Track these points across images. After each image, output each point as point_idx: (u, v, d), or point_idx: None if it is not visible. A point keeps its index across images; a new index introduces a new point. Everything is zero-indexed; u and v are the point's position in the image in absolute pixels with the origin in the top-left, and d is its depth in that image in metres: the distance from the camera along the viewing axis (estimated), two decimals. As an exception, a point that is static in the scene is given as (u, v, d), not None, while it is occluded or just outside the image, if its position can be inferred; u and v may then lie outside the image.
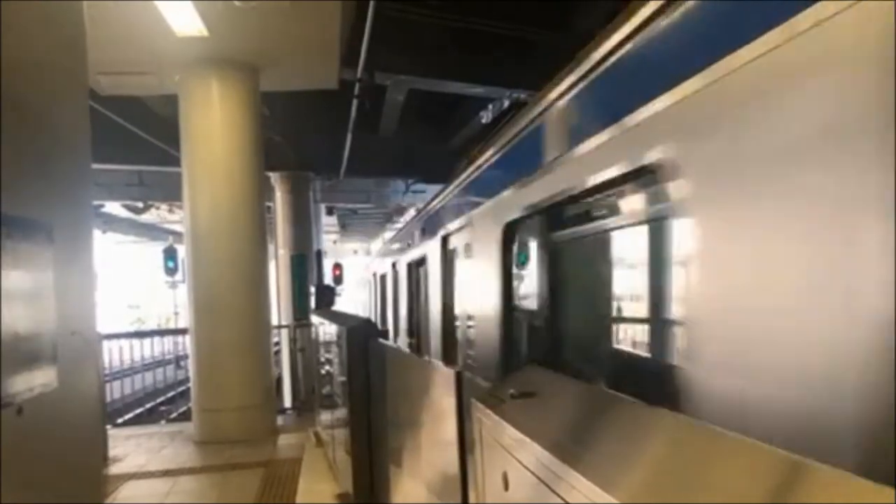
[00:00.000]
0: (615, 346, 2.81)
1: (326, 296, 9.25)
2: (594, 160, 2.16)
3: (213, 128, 7.39)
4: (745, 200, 1.41)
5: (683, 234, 1.66)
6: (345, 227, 27.27)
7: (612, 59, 2.04)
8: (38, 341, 2.07)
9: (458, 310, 4.82)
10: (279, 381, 10.98)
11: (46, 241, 2.13)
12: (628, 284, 2.73)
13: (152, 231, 27.02)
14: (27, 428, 1.95)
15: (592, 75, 2.21)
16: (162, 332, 17.30)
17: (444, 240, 5.06)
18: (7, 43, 1.88)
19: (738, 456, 1.26)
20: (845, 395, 1.12)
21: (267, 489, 5.55)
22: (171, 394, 16.65)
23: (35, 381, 2.02)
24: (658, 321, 2.35)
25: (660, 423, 1.62)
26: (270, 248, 12.03)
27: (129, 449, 6.97)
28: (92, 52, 2.71)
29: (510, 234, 3.27)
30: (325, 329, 5.94)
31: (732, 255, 1.47)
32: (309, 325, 8.33)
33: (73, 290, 2.36)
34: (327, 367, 5.84)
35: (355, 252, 35.85)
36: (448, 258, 5.08)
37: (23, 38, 2.02)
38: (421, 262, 6.27)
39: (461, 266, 4.63)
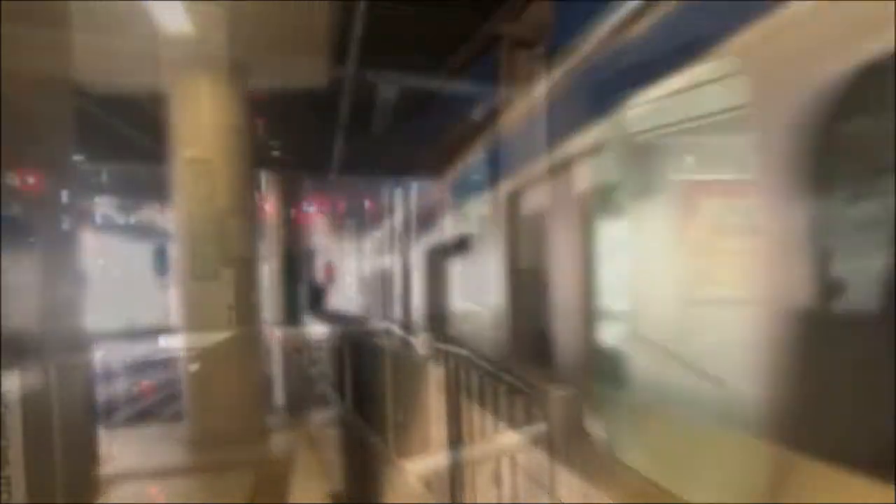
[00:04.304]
0: None
1: (318, 295, 9.24)
2: None
3: (203, 127, 7.35)
4: None
5: None
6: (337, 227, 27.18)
7: None
8: (24, 340, 2.05)
9: None
10: (271, 380, 10.95)
11: (31, 240, 2.11)
12: None
13: (143, 230, 26.85)
14: (14, 427, 1.93)
15: None
16: (154, 332, 17.20)
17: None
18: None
19: (735, 454, 1.26)
20: None
21: (259, 489, 5.53)
22: (162, 394, 16.57)
23: (22, 380, 2.00)
24: None
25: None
26: (262, 247, 11.98)
27: (121, 449, 6.92)
28: (81, 50, 2.69)
29: None
30: (318, 328, 5.92)
31: None
32: (301, 324, 8.32)
33: (59, 289, 2.34)
34: (319, 366, 5.83)
35: (348, 251, 35.73)
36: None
37: (6, 36, 2.00)
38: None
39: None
